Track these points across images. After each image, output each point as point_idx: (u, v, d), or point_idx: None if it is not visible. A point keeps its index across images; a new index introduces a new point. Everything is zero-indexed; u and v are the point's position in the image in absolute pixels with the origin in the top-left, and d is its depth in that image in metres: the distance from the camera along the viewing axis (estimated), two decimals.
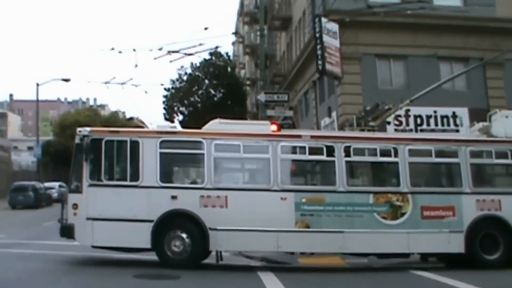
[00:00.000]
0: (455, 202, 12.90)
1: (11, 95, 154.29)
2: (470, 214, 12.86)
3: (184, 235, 12.49)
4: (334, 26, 21.44)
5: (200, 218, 12.38)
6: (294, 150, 13.27)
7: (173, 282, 11.39)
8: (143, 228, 12.33)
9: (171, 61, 21.40)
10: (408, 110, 20.96)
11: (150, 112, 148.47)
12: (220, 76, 44.81)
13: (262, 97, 24.74)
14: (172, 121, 46.55)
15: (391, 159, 13.09)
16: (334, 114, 23.01)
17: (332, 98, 23.65)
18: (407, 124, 21.84)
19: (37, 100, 46.51)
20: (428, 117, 22.16)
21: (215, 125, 13.65)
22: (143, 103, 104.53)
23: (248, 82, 52.95)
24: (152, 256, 13.55)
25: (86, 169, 12.62)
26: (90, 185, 12.59)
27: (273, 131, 13.21)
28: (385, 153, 13.13)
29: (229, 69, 47.84)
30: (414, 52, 22.73)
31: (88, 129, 13.16)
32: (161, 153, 12.74)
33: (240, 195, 12.73)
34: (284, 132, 13.68)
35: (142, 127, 15.95)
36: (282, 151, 12.92)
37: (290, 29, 35.96)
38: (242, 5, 61.05)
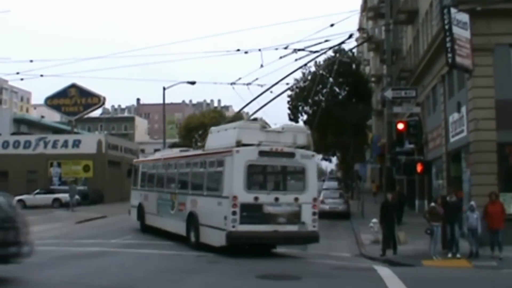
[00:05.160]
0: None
1: (138, 100, 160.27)
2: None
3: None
4: (464, 16, 20.22)
5: (144, 207, 22.89)
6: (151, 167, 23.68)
7: (295, 283, 11.51)
8: (135, 211, 23.77)
9: (296, 60, 21.28)
10: None
11: (275, 112, 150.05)
12: (344, 74, 44.01)
13: (389, 93, 23.94)
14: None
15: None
16: (463, 109, 21.77)
17: (462, 93, 22.36)
18: None
19: (164, 103, 46.88)
20: None
21: (155, 154, 26.26)
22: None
23: (373, 79, 51.74)
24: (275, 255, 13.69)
25: (132, 180, 25.35)
26: (132, 189, 25.29)
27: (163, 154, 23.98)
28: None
29: (353, 66, 47.02)
30: None
31: (134, 160, 29.64)
32: (142, 172, 24.22)
33: (151, 194, 22.36)
34: (156, 157, 23.81)
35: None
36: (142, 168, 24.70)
37: (416, 22, 34.61)
38: (365, 0, 59.82)
